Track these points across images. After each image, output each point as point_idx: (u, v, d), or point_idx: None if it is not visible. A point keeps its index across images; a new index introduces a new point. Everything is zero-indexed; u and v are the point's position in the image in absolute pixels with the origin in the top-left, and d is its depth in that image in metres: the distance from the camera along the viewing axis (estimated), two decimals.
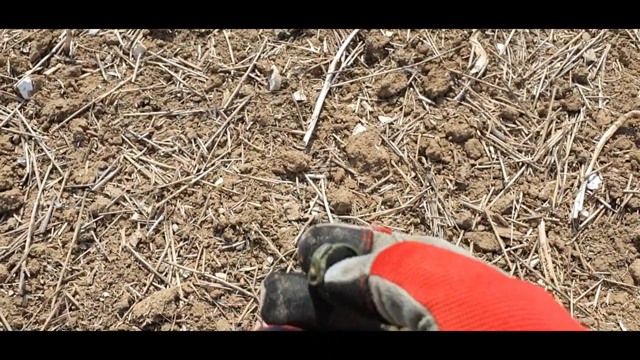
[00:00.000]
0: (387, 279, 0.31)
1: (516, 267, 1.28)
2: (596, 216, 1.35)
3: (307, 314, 0.37)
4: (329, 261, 0.37)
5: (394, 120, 1.43)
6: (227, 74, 1.48)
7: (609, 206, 1.36)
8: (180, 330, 1.19)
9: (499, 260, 1.29)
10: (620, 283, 1.29)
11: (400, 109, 1.45)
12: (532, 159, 1.39)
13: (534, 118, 1.45)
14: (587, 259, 1.31)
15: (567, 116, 1.47)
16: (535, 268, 1.29)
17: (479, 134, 1.41)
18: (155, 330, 1.20)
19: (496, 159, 1.39)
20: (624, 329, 1.24)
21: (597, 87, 1.52)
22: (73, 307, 1.23)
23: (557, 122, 1.45)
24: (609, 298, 1.28)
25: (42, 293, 1.24)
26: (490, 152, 1.40)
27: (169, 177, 1.35)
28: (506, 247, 1.30)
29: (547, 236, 1.32)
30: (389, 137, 1.40)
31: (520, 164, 1.39)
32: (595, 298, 1.27)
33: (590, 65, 1.56)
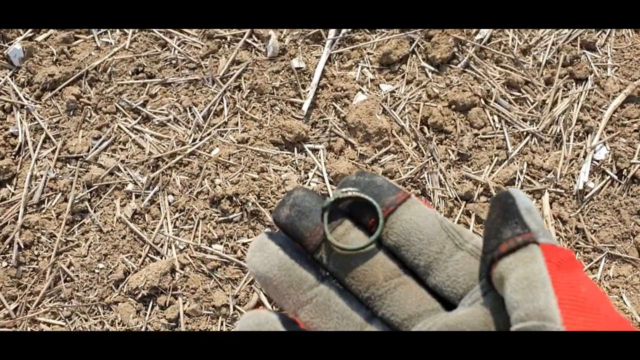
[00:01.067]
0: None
1: None
2: (602, 187, 1.32)
3: (302, 222, 0.37)
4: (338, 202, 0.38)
5: (396, 89, 1.39)
6: (223, 40, 1.44)
7: (616, 177, 1.32)
8: (176, 302, 1.18)
9: None
10: (625, 256, 1.26)
11: (403, 77, 1.40)
12: (537, 129, 1.35)
13: (539, 86, 1.40)
14: (592, 231, 1.28)
15: (574, 84, 1.42)
16: None
17: (482, 102, 1.37)
18: (151, 302, 1.18)
19: (500, 129, 1.35)
20: (628, 303, 1.22)
21: (606, 54, 1.47)
22: (68, 278, 1.21)
23: (563, 91, 1.41)
24: (613, 271, 1.25)
25: (37, 264, 1.22)
26: (494, 121, 1.36)
27: (164, 146, 1.32)
28: None
29: (551, 208, 1.29)
30: (390, 106, 1.36)
31: (525, 133, 1.35)
32: (598, 271, 1.25)
33: (600, 31, 1.50)
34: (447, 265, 0.35)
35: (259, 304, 1.18)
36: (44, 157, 1.32)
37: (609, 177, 1.32)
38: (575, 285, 0.28)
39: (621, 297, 1.23)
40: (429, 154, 1.32)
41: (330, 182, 1.28)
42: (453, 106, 1.36)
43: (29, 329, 1.17)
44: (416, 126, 1.34)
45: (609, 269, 1.26)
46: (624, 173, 1.33)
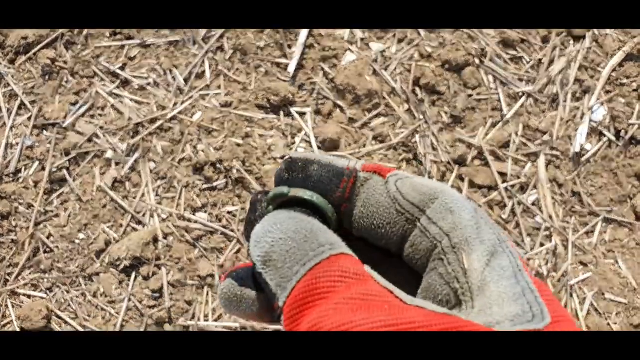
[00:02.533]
0: None
1: (513, 204, 1.22)
2: (599, 149, 1.27)
3: None
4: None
5: (387, 48, 1.33)
6: None
7: (613, 138, 1.28)
8: (160, 272, 1.14)
9: (495, 196, 1.22)
10: (621, 219, 1.23)
11: (394, 35, 1.34)
12: (533, 89, 1.30)
13: (536, 44, 1.35)
14: (588, 194, 1.25)
15: (571, 42, 1.36)
16: (533, 204, 1.23)
17: (477, 62, 1.31)
18: (134, 273, 1.15)
19: (495, 89, 1.30)
20: (623, 267, 1.19)
21: None
22: (47, 249, 1.17)
23: (560, 49, 1.35)
24: (609, 235, 1.22)
25: (15, 235, 1.18)
26: (488, 81, 1.30)
27: (144, 111, 1.26)
28: (503, 183, 1.23)
29: (547, 171, 1.25)
30: (381, 66, 1.30)
31: (521, 94, 1.30)
32: (595, 235, 1.22)
33: None
34: (409, 242, 0.33)
35: None
36: (20, 124, 1.26)
37: (606, 138, 1.28)
38: None
39: (617, 262, 1.20)
40: (421, 117, 1.27)
41: (319, 147, 1.23)
42: (446, 66, 1.30)
43: (8, 302, 1.14)
44: (408, 87, 1.29)
45: (605, 232, 1.22)
46: (621, 134, 1.28)
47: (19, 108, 1.28)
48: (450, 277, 0.30)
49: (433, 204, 0.32)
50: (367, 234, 0.34)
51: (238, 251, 1.16)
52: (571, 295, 1.16)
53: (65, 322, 1.13)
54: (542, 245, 1.20)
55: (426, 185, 0.32)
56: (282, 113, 1.26)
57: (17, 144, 1.24)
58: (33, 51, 1.31)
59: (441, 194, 0.32)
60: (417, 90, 1.29)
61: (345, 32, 1.34)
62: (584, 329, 1.14)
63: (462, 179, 1.23)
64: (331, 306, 0.28)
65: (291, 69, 1.28)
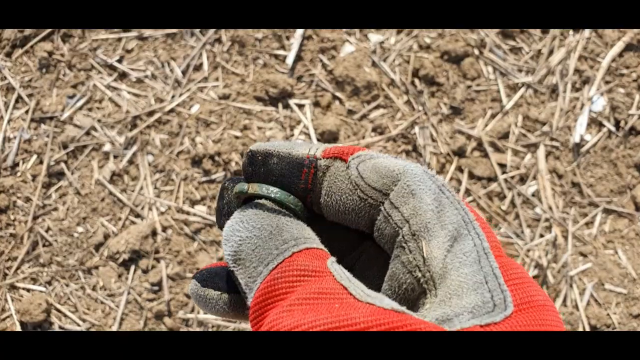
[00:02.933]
0: None
1: (513, 195, 1.22)
2: (599, 140, 1.27)
3: None
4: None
5: (386, 39, 1.32)
6: None
7: (613, 129, 1.27)
8: (159, 265, 1.14)
9: (495, 187, 1.22)
10: (621, 210, 1.22)
11: None
12: (533, 80, 1.30)
13: (535, 35, 1.34)
14: (588, 185, 1.24)
15: (571, 32, 1.35)
16: (532, 195, 1.22)
17: (476, 52, 1.30)
18: (133, 266, 1.14)
19: (494, 80, 1.29)
20: (623, 257, 1.19)
21: None
22: (46, 243, 1.17)
23: (560, 39, 1.34)
24: (609, 225, 1.22)
25: (13, 229, 1.18)
26: (488, 72, 1.30)
27: (141, 104, 1.25)
28: (502, 174, 1.23)
29: (547, 162, 1.25)
30: (379, 57, 1.29)
31: (520, 84, 1.30)
32: (594, 226, 1.22)
33: None
34: (375, 226, 0.32)
35: None
36: (17, 118, 1.26)
37: (606, 129, 1.27)
38: None
39: (616, 252, 1.20)
40: (420, 108, 1.26)
41: (318, 139, 1.22)
42: (445, 57, 1.29)
43: (8, 296, 1.13)
44: (407, 79, 1.28)
45: (604, 223, 1.22)
46: (621, 125, 1.28)
47: (16, 101, 1.27)
48: (411, 266, 0.29)
49: (395, 187, 0.30)
50: (337, 220, 0.33)
51: None
52: (571, 286, 1.16)
53: (65, 316, 1.13)
54: (541, 236, 1.20)
55: (387, 167, 0.31)
56: (280, 105, 1.25)
57: (15, 137, 1.24)
58: (30, 44, 1.31)
59: (403, 175, 0.30)
60: (416, 81, 1.28)
61: None
62: (584, 319, 1.14)
63: (462, 170, 1.23)
64: (285, 308, 0.28)
65: (289, 60, 1.28)
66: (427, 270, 0.28)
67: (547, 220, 1.21)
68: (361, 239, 0.35)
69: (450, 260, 0.28)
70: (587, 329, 1.13)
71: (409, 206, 0.29)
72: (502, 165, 1.24)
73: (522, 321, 0.26)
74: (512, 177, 1.23)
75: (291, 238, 0.31)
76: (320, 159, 0.32)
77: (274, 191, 0.32)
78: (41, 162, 1.22)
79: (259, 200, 0.32)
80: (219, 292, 0.34)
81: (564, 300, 1.15)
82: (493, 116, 1.27)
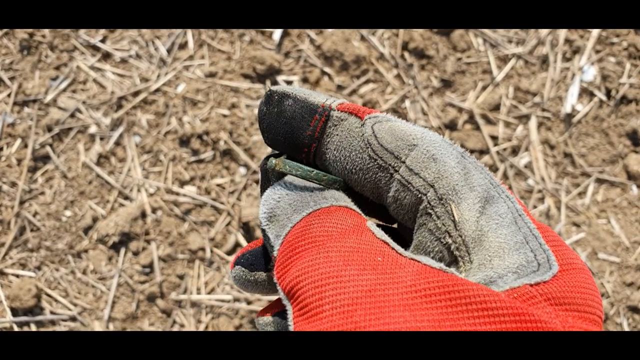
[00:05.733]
0: None
1: (505, 168, 1.21)
2: (590, 109, 1.26)
3: None
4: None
5: None
6: None
7: (604, 98, 1.26)
8: (149, 247, 1.13)
9: (487, 160, 1.21)
10: (613, 179, 1.22)
11: None
12: (523, 50, 1.28)
13: None
14: (580, 155, 1.24)
15: None
16: (525, 167, 1.21)
17: None
18: (123, 248, 1.13)
19: (484, 52, 1.28)
20: (616, 226, 1.19)
21: None
22: (34, 228, 1.15)
23: None
24: (602, 195, 1.22)
25: (0, 215, 1.16)
26: (478, 44, 1.28)
27: (126, 84, 1.23)
28: (494, 146, 1.22)
29: (538, 133, 1.24)
30: (368, 31, 1.27)
31: (510, 55, 1.28)
32: (587, 196, 1.21)
33: None
34: (388, 195, 0.30)
35: (237, 245, 1.13)
36: (0, 102, 1.23)
37: (597, 98, 1.27)
38: None
39: (609, 221, 1.20)
40: (410, 81, 1.25)
41: None
42: (435, 29, 1.28)
43: None
44: (396, 52, 1.26)
45: (597, 193, 1.22)
46: (612, 94, 1.27)
47: None
48: (440, 232, 0.27)
49: (412, 152, 0.29)
50: (342, 178, 0.31)
51: (228, 223, 1.15)
52: None
53: (56, 301, 1.11)
54: (534, 207, 1.19)
55: (405, 131, 0.29)
56: (268, 82, 1.23)
57: None
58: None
59: (420, 140, 0.29)
60: (406, 54, 1.27)
61: None
62: None
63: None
64: (322, 254, 0.26)
65: (276, 36, 1.25)
66: (459, 235, 0.27)
67: (539, 191, 1.20)
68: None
69: (485, 222, 0.27)
70: None
71: (432, 170, 0.28)
72: (494, 138, 1.23)
73: (570, 281, 0.25)
74: (504, 149, 1.22)
75: (331, 197, 0.30)
76: (335, 110, 0.31)
77: (299, 167, 0.31)
78: (26, 146, 1.19)
79: (287, 172, 0.31)
80: (267, 272, 0.34)
81: None
82: (484, 88, 1.26)
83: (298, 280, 0.26)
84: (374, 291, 0.24)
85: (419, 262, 0.25)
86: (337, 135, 0.31)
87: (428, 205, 0.28)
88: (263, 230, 0.30)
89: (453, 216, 0.27)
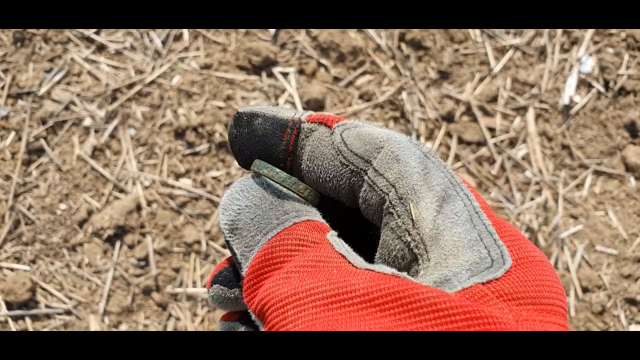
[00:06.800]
0: None
1: (502, 160, 1.20)
2: (588, 101, 1.25)
3: None
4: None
5: None
6: None
7: (602, 89, 1.26)
8: (145, 240, 1.12)
9: (484, 152, 1.20)
10: (611, 171, 1.21)
11: None
12: (521, 41, 1.27)
13: None
14: (578, 147, 1.23)
15: None
16: (522, 159, 1.21)
17: None
18: (118, 242, 1.12)
19: (481, 43, 1.27)
20: (614, 219, 1.19)
21: None
22: (29, 221, 1.14)
23: None
24: (599, 187, 1.21)
25: None
26: (475, 35, 1.27)
27: (121, 76, 1.22)
28: (492, 138, 1.21)
29: (536, 124, 1.23)
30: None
31: (508, 46, 1.27)
32: (585, 188, 1.21)
33: None
34: (360, 198, 0.31)
35: None
36: None
37: (595, 89, 1.26)
38: None
39: (607, 213, 1.19)
40: (407, 73, 1.24)
41: (304, 108, 1.20)
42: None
43: None
44: (393, 43, 1.25)
45: (595, 185, 1.21)
46: (610, 85, 1.26)
47: None
48: (401, 231, 0.28)
49: (379, 154, 0.30)
50: (318, 188, 0.32)
51: None
52: (562, 249, 1.16)
53: (51, 294, 1.11)
54: (532, 199, 1.19)
55: (372, 134, 0.30)
56: (264, 74, 1.22)
57: None
58: None
59: (387, 142, 0.30)
60: (403, 46, 1.26)
61: None
62: (576, 281, 1.13)
63: (451, 136, 1.21)
64: (282, 275, 0.27)
65: (273, 28, 1.24)
66: (417, 233, 0.27)
67: (537, 183, 1.20)
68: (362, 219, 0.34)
69: (441, 221, 0.27)
70: (579, 290, 1.13)
71: (394, 171, 0.29)
72: (492, 130, 1.22)
73: (522, 276, 0.25)
74: (502, 141, 1.21)
75: (292, 209, 0.30)
76: (305, 122, 0.31)
77: (275, 170, 0.31)
78: (20, 139, 1.18)
79: (262, 174, 0.31)
80: None
81: (556, 263, 1.15)
82: (481, 80, 1.25)
83: (263, 303, 0.27)
84: (331, 304, 0.24)
85: (372, 270, 0.26)
86: (309, 145, 0.31)
87: (390, 205, 0.29)
88: (227, 242, 0.31)
89: (411, 215, 0.28)
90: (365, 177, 0.30)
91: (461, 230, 0.27)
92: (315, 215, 0.30)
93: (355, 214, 0.33)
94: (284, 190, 0.31)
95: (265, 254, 0.28)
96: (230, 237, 0.30)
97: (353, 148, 0.30)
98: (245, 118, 0.32)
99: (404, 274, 0.26)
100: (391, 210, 0.28)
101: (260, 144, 0.32)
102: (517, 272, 0.25)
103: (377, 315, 0.24)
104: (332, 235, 0.29)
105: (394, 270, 0.25)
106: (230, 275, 0.34)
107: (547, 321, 0.25)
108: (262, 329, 0.27)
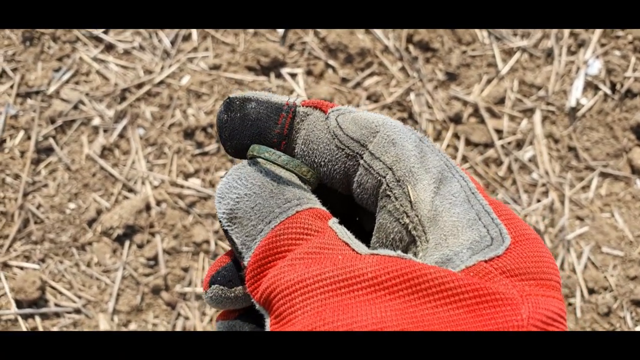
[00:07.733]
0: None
1: (509, 161, 1.21)
2: (595, 103, 1.26)
3: None
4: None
5: None
6: None
7: (609, 92, 1.26)
8: (154, 240, 1.12)
9: (491, 154, 1.21)
10: (617, 173, 1.22)
11: None
12: (528, 43, 1.28)
13: None
14: (584, 149, 1.24)
15: None
16: (529, 160, 1.21)
17: None
18: (127, 241, 1.13)
19: (489, 45, 1.27)
20: (620, 220, 1.19)
21: None
22: (38, 220, 1.15)
23: None
24: (605, 189, 1.22)
25: (3, 207, 1.15)
26: (483, 37, 1.28)
27: (130, 76, 1.22)
28: (499, 140, 1.22)
29: (543, 126, 1.24)
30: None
31: (515, 49, 1.28)
32: (591, 189, 1.21)
33: None
34: (353, 181, 0.31)
35: None
36: (2, 93, 1.22)
37: (602, 92, 1.26)
38: None
39: (613, 215, 1.20)
40: (415, 74, 1.24)
41: None
42: None
43: (1, 274, 1.12)
44: (401, 45, 1.26)
45: (601, 187, 1.22)
46: (617, 87, 1.27)
47: (0, 76, 1.23)
48: (398, 213, 0.28)
49: (375, 138, 0.30)
50: (313, 164, 0.32)
51: None
52: (568, 250, 1.16)
53: (60, 293, 1.11)
54: (538, 201, 1.19)
55: (367, 119, 0.31)
56: (272, 74, 1.23)
57: (1, 113, 1.20)
58: None
59: (382, 126, 0.30)
60: (411, 47, 1.26)
61: None
62: (582, 282, 1.14)
63: (458, 137, 1.21)
64: (287, 262, 0.27)
65: (280, 29, 1.25)
66: (415, 215, 0.28)
67: (544, 185, 1.20)
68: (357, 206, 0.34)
69: (439, 202, 0.28)
70: (585, 292, 1.14)
71: (391, 154, 0.29)
72: (499, 131, 1.22)
73: (522, 252, 0.26)
74: (509, 143, 1.22)
75: (294, 197, 0.30)
76: (300, 106, 0.32)
77: (277, 153, 0.31)
78: (29, 138, 1.19)
79: (258, 159, 0.31)
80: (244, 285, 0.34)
81: (562, 264, 1.16)
82: (489, 81, 1.26)
83: (269, 291, 0.27)
84: (339, 289, 0.25)
85: (377, 254, 0.26)
86: (304, 129, 0.31)
87: (387, 187, 0.29)
88: (225, 231, 0.30)
89: (409, 197, 0.28)
90: (361, 161, 0.30)
91: (459, 210, 0.27)
92: (316, 202, 0.30)
93: (341, 200, 0.33)
94: (285, 173, 0.31)
95: (270, 242, 0.28)
96: (229, 226, 0.30)
97: (349, 132, 0.30)
98: (237, 102, 0.32)
99: (409, 255, 0.26)
100: (388, 192, 0.29)
101: (253, 128, 0.31)
102: (516, 249, 0.26)
103: (387, 298, 0.24)
104: (334, 223, 0.29)
105: (400, 252, 0.26)
106: (229, 274, 0.33)
107: (548, 295, 0.25)
108: (267, 319, 0.27)
